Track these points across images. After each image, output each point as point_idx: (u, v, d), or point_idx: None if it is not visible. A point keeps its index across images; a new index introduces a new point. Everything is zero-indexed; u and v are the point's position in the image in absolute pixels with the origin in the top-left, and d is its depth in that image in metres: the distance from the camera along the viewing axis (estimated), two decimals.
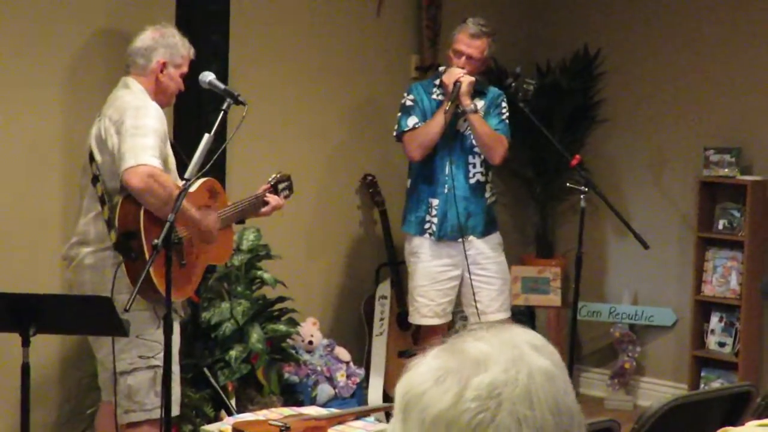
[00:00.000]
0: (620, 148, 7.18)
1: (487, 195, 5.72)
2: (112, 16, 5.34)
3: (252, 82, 5.77)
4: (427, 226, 5.66)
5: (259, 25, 6.01)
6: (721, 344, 6.57)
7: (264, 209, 4.72)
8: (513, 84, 5.65)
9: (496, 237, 5.76)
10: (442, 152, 5.60)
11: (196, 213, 4.22)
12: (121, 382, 4.22)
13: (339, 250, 6.63)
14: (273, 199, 4.73)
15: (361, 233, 6.76)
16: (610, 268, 7.24)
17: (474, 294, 5.63)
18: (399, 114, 5.71)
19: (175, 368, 4.27)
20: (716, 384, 6.41)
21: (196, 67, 4.46)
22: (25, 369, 3.50)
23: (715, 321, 6.61)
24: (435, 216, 5.63)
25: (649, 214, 6.95)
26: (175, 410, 4.29)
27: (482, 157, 5.64)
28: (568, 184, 5.60)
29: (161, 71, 4.34)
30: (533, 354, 1.41)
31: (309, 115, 6.37)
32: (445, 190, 5.61)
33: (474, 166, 5.64)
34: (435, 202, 5.63)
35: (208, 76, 4.28)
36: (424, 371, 1.41)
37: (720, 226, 6.59)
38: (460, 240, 5.58)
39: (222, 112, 4.10)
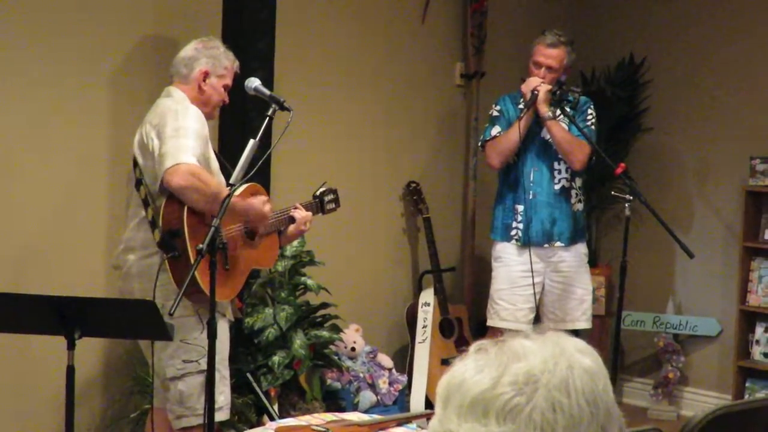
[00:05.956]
0: (665, 157, 7.15)
1: (573, 201, 5.71)
2: (160, 25, 5.37)
3: (297, 88, 5.79)
4: (513, 232, 5.70)
5: (304, 32, 6.03)
6: (766, 355, 6.52)
7: (291, 228, 4.57)
8: (558, 92, 5.63)
9: (581, 247, 5.78)
10: (527, 159, 5.66)
11: (242, 202, 4.21)
12: (172, 388, 4.23)
13: (382, 257, 6.64)
14: (297, 213, 4.58)
15: (404, 240, 6.77)
16: (655, 278, 7.19)
17: (549, 302, 5.68)
18: (486, 125, 5.81)
19: (225, 372, 4.29)
20: (761, 394, 6.36)
21: (242, 73, 4.48)
22: (70, 372, 3.51)
23: (760, 331, 6.57)
24: (521, 222, 5.66)
25: (694, 224, 6.91)
26: (226, 414, 4.29)
27: None
28: (612, 193, 5.60)
29: (203, 80, 4.35)
30: (576, 353, 1.43)
31: (353, 122, 6.38)
32: (530, 197, 5.64)
33: (559, 172, 5.66)
34: (520, 208, 5.67)
35: (253, 82, 4.28)
36: (466, 363, 1.44)
37: (766, 236, 6.55)
38: (545, 246, 5.63)
39: (267, 118, 4.09)
